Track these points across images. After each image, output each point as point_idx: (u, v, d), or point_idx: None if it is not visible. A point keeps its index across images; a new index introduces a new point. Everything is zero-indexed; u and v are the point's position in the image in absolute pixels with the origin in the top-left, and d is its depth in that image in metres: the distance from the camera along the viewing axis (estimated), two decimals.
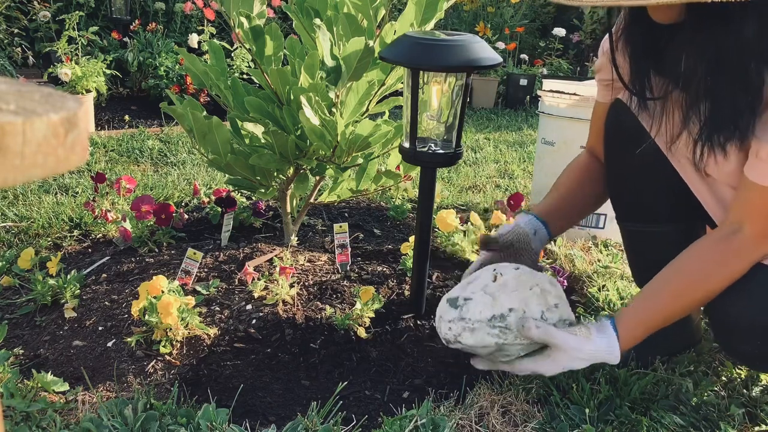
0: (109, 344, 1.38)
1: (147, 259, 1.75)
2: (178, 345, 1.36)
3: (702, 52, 0.99)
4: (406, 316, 1.49)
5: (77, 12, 3.80)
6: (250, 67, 3.79)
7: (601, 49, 1.28)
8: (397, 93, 1.56)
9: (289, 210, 1.81)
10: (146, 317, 1.35)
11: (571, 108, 2.09)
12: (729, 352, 1.26)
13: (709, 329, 1.52)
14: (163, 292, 1.36)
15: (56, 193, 2.39)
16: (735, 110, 1.00)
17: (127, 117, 3.80)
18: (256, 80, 1.63)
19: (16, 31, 4.24)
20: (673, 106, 1.12)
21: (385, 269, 1.72)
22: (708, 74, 1.00)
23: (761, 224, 1.06)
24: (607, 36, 1.23)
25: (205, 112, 1.54)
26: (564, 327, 1.14)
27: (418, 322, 1.48)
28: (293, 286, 1.55)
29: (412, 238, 1.64)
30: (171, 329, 1.36)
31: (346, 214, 2.27)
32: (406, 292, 1.60)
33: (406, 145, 1.38)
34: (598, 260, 1.92)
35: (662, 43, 1.09)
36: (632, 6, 0.94)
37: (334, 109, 1.52)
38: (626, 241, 1.41)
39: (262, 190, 1.69)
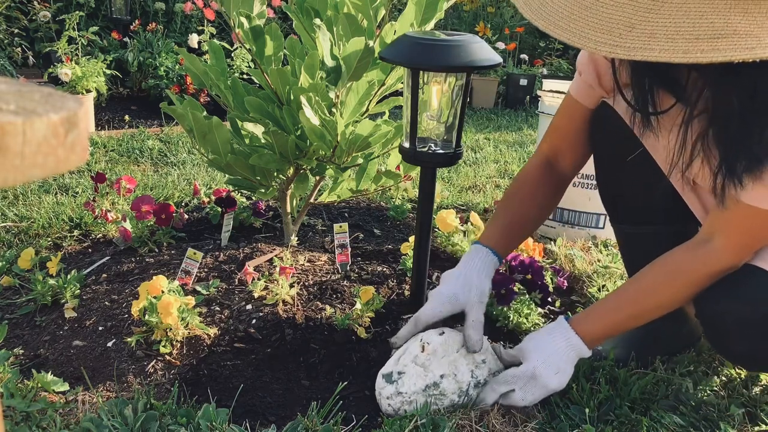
0: (109, 344, 1.38)
1: (147, 259, 1.75)
2: (178, 345, 1.36)
3: (731, 87, 0.93)
4: (406, 316, 1.48)
5: (77, 12, 3.80)
6: (250, 67, 3.79)
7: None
8: (397, 93, 1.56)
9: (289, 210, 1.81)
10: (146, 317, 1.35)
11: None
12: (723, 354, 1.26)
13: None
14: (163, 292, 1.36)
15: (56, 193, 2.39)
16: (763, 144, 0.96)
17: (127, 117, 3.80)
18: (256, 80, 1.63)
19: (16, 31, 4.24)
20: (678, 122, 1.07)
21: (385, 269, 1.72)
22: (741, 110, 0.94)
23: (735, 238, 1.06)
24: None
25: (205, 112, 1.54)
26: (495, 377, 1.19)
27: None
28: (293, 286, 1.55)
29: (412, 238, 1.64)
30: (171, 329, 1.36)
31: (346, 214, 2.27)
32: (406, 292, 1.60)
33: (406, 145, 1.38)
34: (598, 260, 1.92)
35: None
36: (659, 61, 0.80)
37: (334, 109, 1.52)
38: (621, 242, 1.41)
39: (262, 190, 1.69)
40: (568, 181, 1.37)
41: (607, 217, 2.09)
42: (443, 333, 1.21)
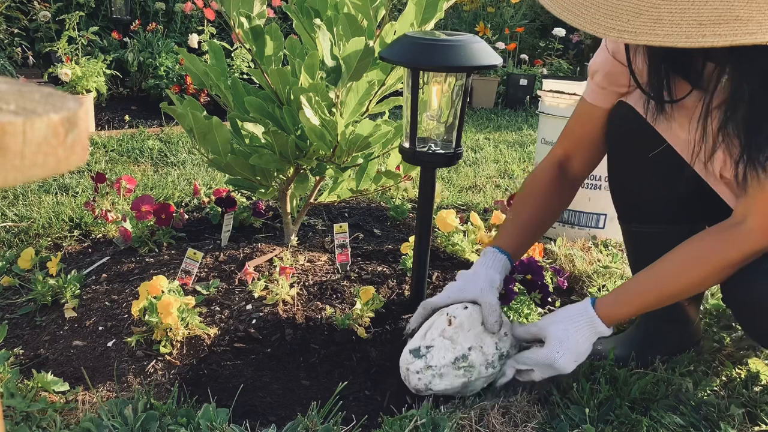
0: (109, 344, 1.38)
1: (147, 259, 1.75)
2: (178, 345, 1.36)
3: (747, 74, 0.95)
4: (406, 316, 1.48)
5: (77, 12, 3.80)
6: (250, 67, 3.79)
7: (603, 47, 1.23)
8: (397, 93, 1.56)
9: (289, 210, 1.81)
10: (146, 317, 1.35)
11: (571, 108, 2.08)
12: (755, 338, 1.24)
13: (709, 328, 1.52)
14: (163, 292, 1.36)
15: (56, 193, 2.39)
16: None
17: (127, 117, 3.80)
18: (256, 80, 1.63)
19: (16, 31, 4.25)
20: (697, 117, 1.08)
21: (385, 269, 1.72)
22: (758, 96, 0.95)
23: (765, 218, 1.06)
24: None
25: (205, 112, 1.54)
26: (517, 348, 1.24)
27: None
28: (293, 286, 1.55)
29: (412, 238, 1.64)
30: (171, 329, 1.36)
31: (346, 214, 2.27)
32: (406, 292, 1.60)
33: (406, 145, 1.38)
34: (598, 260, 1.92)
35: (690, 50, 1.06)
36: (681, 47, 0.82)
37: (334, 109, 1.52)
38: (628, 242, 1.41)
39: (262, 190, 1.69)
40: (578, 183, 1.39)
41: (607, 217, 2.10)
42: (467, 307, 1.23)
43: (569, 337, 1.16)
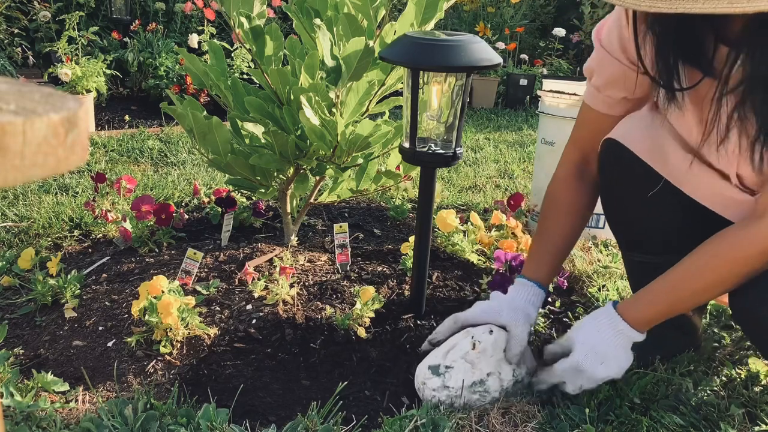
0: (109, 344, 1.39)
1: (147, 259, 1.75)
2: (178, 345, 1.36)
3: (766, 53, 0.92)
4: (406, 316, 1.49)
5: (77, 12, 3.80)
6: (250, 67, 3.79)
7: (598, 47, 1.20)
8: (397, 93, 1.56)
9: (289, 210, 1.81)
10: (146, 317, 1.35)
11: (571, 108, 2.08)
12: (764, 353, 1.22)
13: (709, 328, 1.52)
14: (163, 292, 1.36)
15: (56, 193, 2.39)
16: None
17: (127, 117, 3.81)
18: (256, 80, 1.63)
19: (16, 31, 4.25)
20: (710, 100, 1.05)
21: (385, 269, 1.72)
22: None
23: None
24: (604, 27, 1.17)
25: (205, 112, 1.54)
26: (531, 375, 1.25)
27: (418, 322, 1.48)
28: (293, 286, 1.55)
29: (412, 238, 1.64)
30: (171, 329, 1.36)
31: (346, 214, 2.27)
32: (406, 292, 1.60)
33: (406, 145, 1.38)
34: (598, 260, 1.92)
35: (699, 32, 1.02)
36: (722, 13, 0.81)
37: (334, 109, 1.52)
38: (630, 270, 1.39)
39: (262, 190, 1.69)
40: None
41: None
42: (492, 332, 1.24)
43: (590, 338, 1.15)
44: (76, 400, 1.19)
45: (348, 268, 1.70)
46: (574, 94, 2.08)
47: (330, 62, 1.47)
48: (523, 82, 4.94)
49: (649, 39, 1.06)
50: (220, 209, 1.98)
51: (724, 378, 1.34)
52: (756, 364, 1.38)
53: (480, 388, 1.19)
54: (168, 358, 1.33)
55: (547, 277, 1.31)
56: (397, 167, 1.78)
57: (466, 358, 1.21)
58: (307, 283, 1.61)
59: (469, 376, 1.19)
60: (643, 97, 1.21)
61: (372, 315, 1.45)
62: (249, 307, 1.49)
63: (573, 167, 1.32)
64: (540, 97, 2.23)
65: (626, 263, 1.40)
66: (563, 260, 1.36)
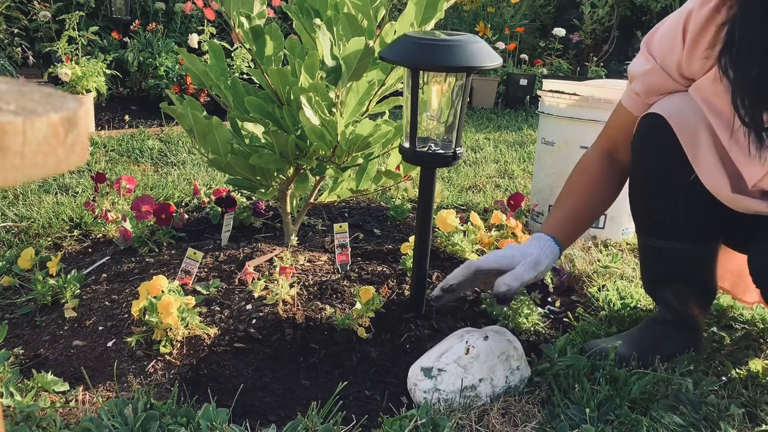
0: (109, 344, 1.39)
1: (147, 259, 1.75)
2: (178, 345, 1.36)
3: None
4: (406, 316, 1.48)
5: (77, 12, 3.80)
6: (250, 67, 3.79)
7: (644, 51, 1.19)
8: (397, 93, 1.56)
9: (289, 210, 1.81)
10: (146, 317, 1.35)
11: (571, 108, 2.09)
12: None
13: (709, 328, 1.52)
14: (163, 292, 1.36)
15: (56, 193, 2.39)
16: None
17: (127, 117, 3.81)
18: (256, 80, 1.63)
19: (16, 31, 4.25)
20: None
21: (385, 269, 1.72)
22: None
23: None
24: (656, 35, 1.18)
25: (205, 112, 1.54)
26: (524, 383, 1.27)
27: (418, 322, 1.47)
28: (293, 286, 1.55)
29: (412, 238, 1.64)
30: (171, 329, 1.36)
31: (346, 214, 2.27)
32: (406, 292, 1.60)
33: (406, 145, 1.38)
34: (598, 260, 1.92)
35: None
36: None
37: (334, 109, 1.52)
38: (644, 254, 1.39)
39: (262, 190, 1.69)
40: (627, 173, 1.36)
41: (607, 218, 2.10)
42: (487, 337, 1.24)
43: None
44: (76, 400, 1.19)
45: (348, 268, 1.70)
46: (574, 94, 2.08)
47: (330, 62, 1.47)
48: (523, 82, 4.94)
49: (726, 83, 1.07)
50: (220, 209, 1.98)
51: (724, 378, 1.34)
52: (756, 364, 1.38)
53: (471, 393, 1.19)
54: (168, 358, 1.33)
55: (564, 236, 1.32)
56: (397, 167, 1.78)
57: (458, 363, 1.21)
58: (307, 283, 1.61)
59: (460, 381, 1.20)
60: None
61: (372, 315, 1.45)
62: (249, 307, 1.49)
63: (603, 152, 1.36)
64: (540, 97, 2.23)
65: (640, 246, 1.40)
66: (581, 229, 1.37)
